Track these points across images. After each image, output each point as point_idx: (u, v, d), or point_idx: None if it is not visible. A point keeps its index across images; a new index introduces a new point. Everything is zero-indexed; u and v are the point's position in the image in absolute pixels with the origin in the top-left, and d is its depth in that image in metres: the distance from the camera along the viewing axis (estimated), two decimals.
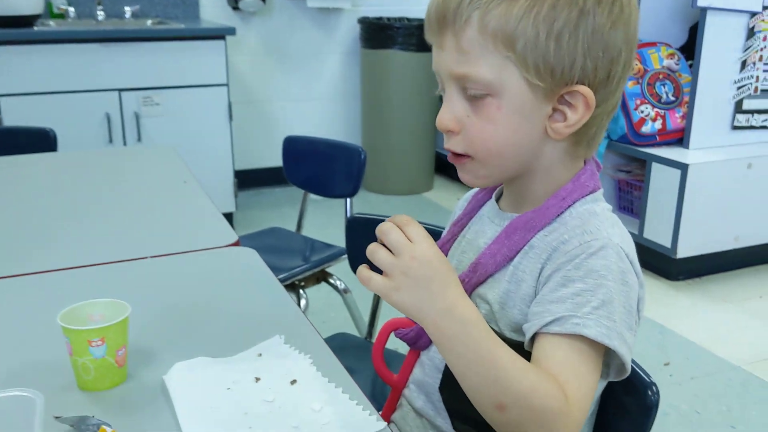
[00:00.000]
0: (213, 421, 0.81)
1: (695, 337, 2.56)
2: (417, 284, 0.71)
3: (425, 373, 0.94)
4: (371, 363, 1.58)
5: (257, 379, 0.89)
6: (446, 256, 0.95)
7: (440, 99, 0.84)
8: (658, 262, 3.01)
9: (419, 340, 0.93)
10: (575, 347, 0.73)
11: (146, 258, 1.29)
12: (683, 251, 2.91)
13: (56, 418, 0.79)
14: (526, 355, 0.76)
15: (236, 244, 1.36)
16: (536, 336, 0.76)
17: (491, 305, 0.84)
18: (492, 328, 0.84)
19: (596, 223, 0.80)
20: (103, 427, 0.76)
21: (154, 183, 1.82)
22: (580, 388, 0.73)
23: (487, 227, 0.90)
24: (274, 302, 1.13)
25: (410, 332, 0.94)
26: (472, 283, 0.86)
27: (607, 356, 0.76)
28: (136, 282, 1.21)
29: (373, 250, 0.73)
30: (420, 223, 0.76)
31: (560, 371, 0.73)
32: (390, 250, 0.72)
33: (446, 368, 0.89)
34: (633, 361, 0.90)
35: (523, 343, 0.80)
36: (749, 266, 3.15)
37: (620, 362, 0.76)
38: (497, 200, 0.92)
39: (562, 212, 0.82)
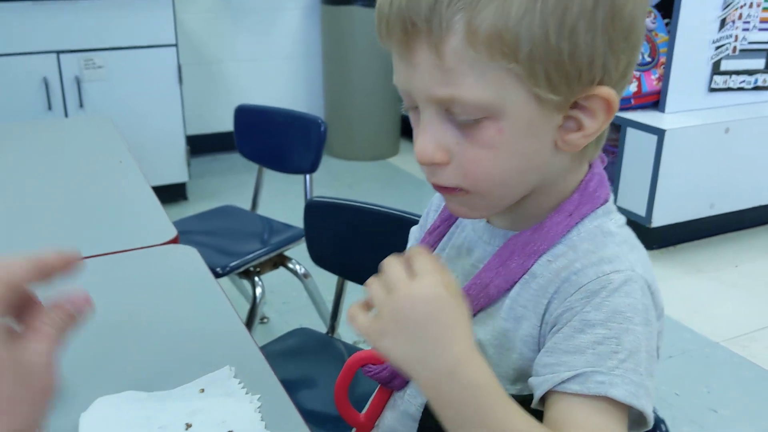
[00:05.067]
0: None
1: (670, 311, 2.46)
2: (408, 332, 0.57)
3: (397, 420, 0.78)
4: (333, 366, 1.44)
5: (188, 426, 0.74)
6: None
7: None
8: (633, 231, 2.90)
9: (393, 380, 0.77)
10: (598, 408, 0.58)
11: None
12: (658, 220, 2.80)
13: None
14: (533, 414, 0.61)
15: (175, 240, 1.18)
16: (549, 392, 0.61)
17: (484, 347, 0.68)
18: None
19: (613, 247, 0.64)
20: None
21: (85, 165, 1.61)
22: None
23: (475, 244, 0.73)
24: (217, 317, 0.97)
25: (383, 371, 0.78)
26: None
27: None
28: (48, 293, 1.02)
29: (370, 283, 0.60)
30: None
31: None
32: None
33: (423, 417, 0.74)
34: None
35: (521, 397, 0.65)
36: (724, 233, 3.07)
37: (639, 414, 0.61)
38: None
39: (569, 231, 0.66)
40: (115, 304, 0.99)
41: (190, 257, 1.13)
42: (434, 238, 0.80)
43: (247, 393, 0.79)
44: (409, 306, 0.57)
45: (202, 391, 0.80)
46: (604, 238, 0.65)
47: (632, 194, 2.85)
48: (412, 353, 0.57)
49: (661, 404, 1.95)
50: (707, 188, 2.88)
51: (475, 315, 0.69)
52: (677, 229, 2.92)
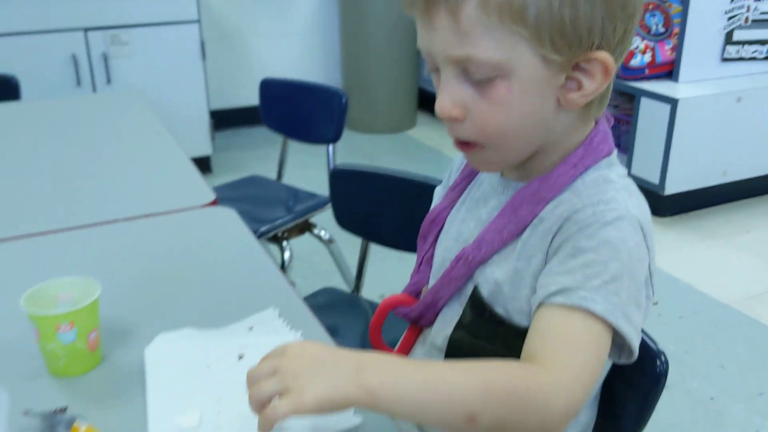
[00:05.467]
0: (182, 401, 0.77)
1: (683, 275, 2.55)
2: (316, 370, 0.62)
3: (426, 353, 0.88)
4: (360, 321, 1.54)
5: (240, 357, 0.84)
6: (444, 223, 0.88)
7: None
8: (646, 198, 2.96)
9: (422, 319, 0.87)
10: (579, 319, 0.67)
11: (117, 221, 1.21)
12: (671, 187, 2.87)
13: (24, 413, 0.73)
14: None
15: (214, 203, 1.28)
16: (539, 306, 0.70)
17: (500, 285, 0.77)
18: (498, 312, 0.78)
19: (612, 192, 0.72)
20: (76, 425, 0.70)
21: (124, 135, 1.72)
22: (574, 356, 0.66)
23: (490, 196, 0.83)
24: (258, 268, 1.07)
25: (412, 311, 0.87)
26: (477, 260, 0.79)
27: (618, 337, 0.69)
28: (107, 249, 1.13)
29: (255, 392, 0.63)
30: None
31: (553, 341, 0.67)
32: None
33: (448, 348, 0.84)
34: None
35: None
36: (736, 200, 3.13)
37: (629, 344, 0.70)
38: None
39: (574, 180, 0.75)
40: (168, 257, 1.10)
41: (230, 217, 1.23)
42: (456, 194, 0.89)
43: (291, 329, 0.89)
44: (297, 359, 0.63)
45: (251, 328, 0.90)
46: (605, 185, 0.74)
47: (646, 162, 2.91)
48: (329, 379, 0.61)
49: (671, 360, 2.03)
50: (720, 156, 2.94)
51: (491, 257, 0.79)
52: (690, 197, 2.98)
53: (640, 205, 0.74)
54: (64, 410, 0.74)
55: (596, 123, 0.78)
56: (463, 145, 0.74)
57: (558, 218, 0.73)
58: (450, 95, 0.70)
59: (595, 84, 0.70)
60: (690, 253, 2.74)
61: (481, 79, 0.68)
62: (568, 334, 0.67)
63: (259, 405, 0.63)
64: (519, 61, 0.67)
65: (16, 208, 1.29)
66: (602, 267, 0.68)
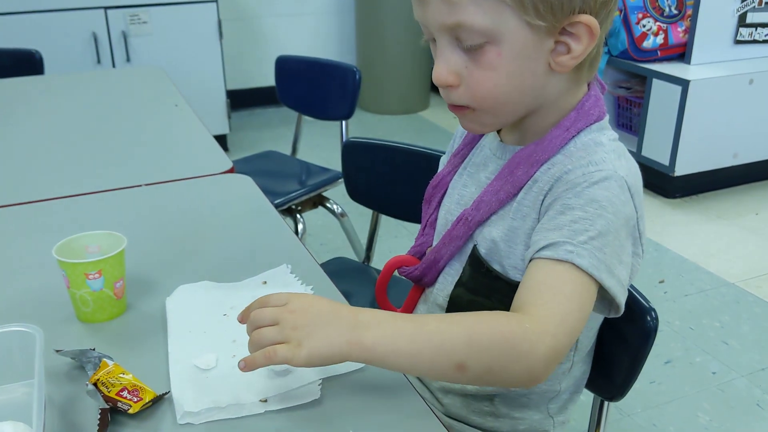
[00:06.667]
0: (200, 345, 0.83)
1: (690, 255, 2.58)
2: (314, 326, 0.68)
3: (428, 310, 0.93)
4: (369, 287, 1.60)
5: None
6: (447, 188, 0.93)
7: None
8: (655, 179, 3.00)
9: (424, 278, 0.92)
10: (564, 271, 0.70)
11: (140, 186, 1.27)
12: (681, 169, 2.89)
13: (57, 351, 0.79)
14: None
15: (231, 170, 1.34)
16: (530, 262, 0.74)
17: (496, 243, 0.82)
18: (495, 269, 0.83)
19: (602, 154, 0.77)
20: (105, 360, 0.76)
21: (145, 107, 1.78)
22: (558, 305, 0.69)
23: (489, 160, 0.87)
24: (272, 230, 1.13)
25: (415, 270, 0.92)
26: (475, 221, 0.83)
27: (605, 292, 0.73)
28: (131, 210, 1.19)
29: (257, 337, 0.69)
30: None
31: (536, 291, 0.70)
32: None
33: (449, 305, 0.89)
34: (631, 287, 0.90)
35: None
36: (747, 183, 3.14)
37: (614, 298, 0.73)
38: (499, 131, 0.89)
39: (567, 143, 0.79)
40: (188, 218, 1.16)
41: (246, 184, 1.28)
42: (458, 160, 0.94)
43: (302, 284, 0.94)
44: (300, 314, 0.69)
45: (265, 282, 0.95)
46: (595, 148, 0.78)
47: (656, 144, 2.93)
48: (326, 335, 0.67)
49: (676, 336, 2.08)
50: (731, 138, 2.95)
51: (489, 218, 0.84)
52: (700, 178, 3.00)
53: (628, 167, 0.78)
54: (92, 350, 0.80)
55: (588, 88, 0.82)
56: (457, 108, 0.79)
57: (550, 179, 0.77)
58: (446, 63, 0.75)
59: (582, 46, 0.74)
60: (698, 233, 2.77)
61: (472, 45, 0.73)
62: (553, 285, 0.70)
63: (255, 345, 0.69)
64: (506, 27, 0.71)
65: (46, 173, 1.35)
66: (589, 223, 0.72)
